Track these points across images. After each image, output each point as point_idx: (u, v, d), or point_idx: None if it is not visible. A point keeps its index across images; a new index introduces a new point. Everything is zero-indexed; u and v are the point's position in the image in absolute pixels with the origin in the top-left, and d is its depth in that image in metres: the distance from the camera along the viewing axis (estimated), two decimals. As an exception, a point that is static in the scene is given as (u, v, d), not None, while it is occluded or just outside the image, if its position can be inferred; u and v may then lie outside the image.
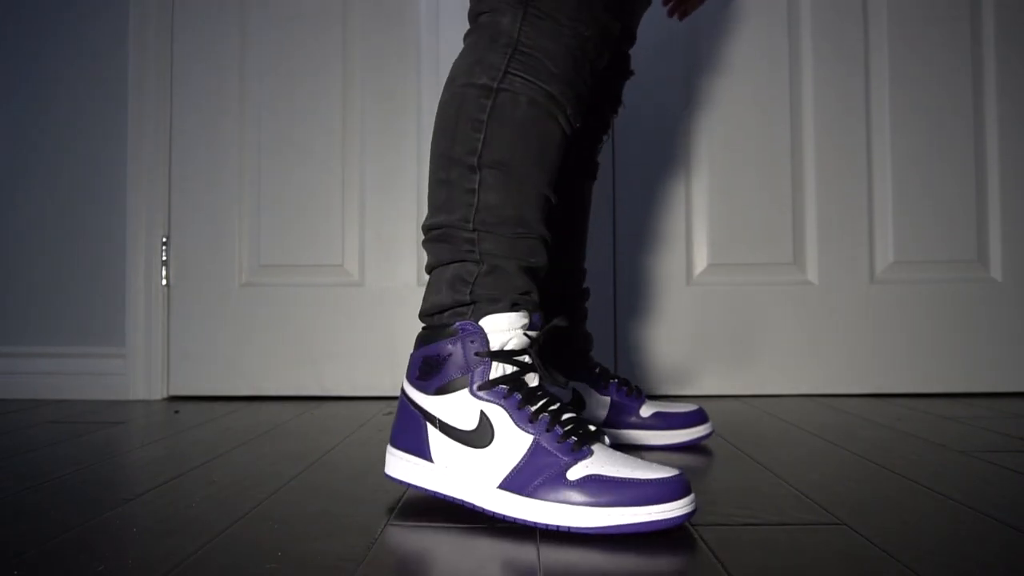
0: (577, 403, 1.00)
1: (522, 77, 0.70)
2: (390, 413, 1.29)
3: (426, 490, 0.69)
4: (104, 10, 1.52)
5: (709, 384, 1.47)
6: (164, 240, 1.51)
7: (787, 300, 1.48)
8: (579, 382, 1.00)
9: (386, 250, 1.49)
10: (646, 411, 0.99)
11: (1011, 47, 1.47)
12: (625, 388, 1.01)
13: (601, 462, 0.63)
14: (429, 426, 0.69)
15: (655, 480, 0.61)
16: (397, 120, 1.50)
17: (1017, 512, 0.67)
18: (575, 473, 0.62)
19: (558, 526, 0.61)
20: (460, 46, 0.78)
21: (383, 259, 1.49)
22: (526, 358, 0.69)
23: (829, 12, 1.49)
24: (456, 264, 0.71)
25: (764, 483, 0.78)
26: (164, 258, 1.51)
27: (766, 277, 1.48)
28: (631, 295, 1.48)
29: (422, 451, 0.70)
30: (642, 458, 0.69)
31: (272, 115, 1.51)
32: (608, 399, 0.99)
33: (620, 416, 0.99)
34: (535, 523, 0.62)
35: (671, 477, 0.61)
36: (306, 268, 1.50)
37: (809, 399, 1.41)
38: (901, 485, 0.77)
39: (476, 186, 0.70)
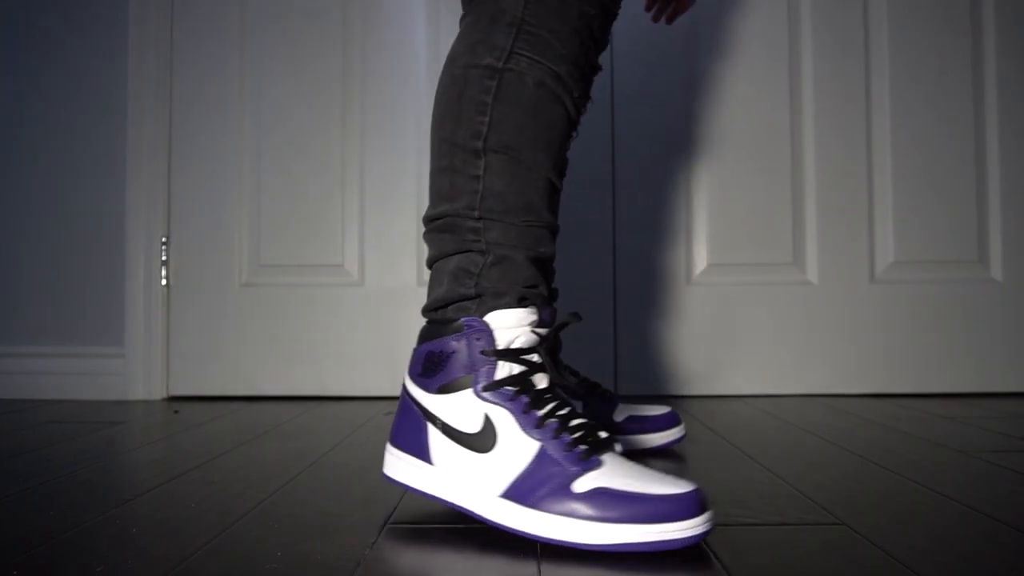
0: None
1: (528, 57, 0.66)
2: (389, 414, 1.28)
3: (425, 494, 0.66)
4: (103, 9, 1.52)
5: (708, 384, 1.46)
6: (164, 240, 1.51)
7: (787, 300, 1.48)
8: None
9: (386, 250, 1.49)
10: (619, 414, 0.96)
11: (1012, 46, 1.47)
12: (598, 391, 0.97)
13: (611, 474, 0.58)
14: (430, 426, 0.65)
15: (668, 496, 0.56)
16: (397, 120, 1.50)
17: (1017, 512, 0.67)
18: (582, 485, 0.58)
19: (561, 541, 0.57)
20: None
21: (383, 259, 1.49)
22: (535, 357, 0.65)
23: (829, 12, 1.49)
24: (460, 255, 0.67)
25: (764, 483, 0.78)
26: (164, 258, 1.51)
27: (766, 277, 1.48)
28: (631, 295, 1.48)
29: (422, 452, 0.66)
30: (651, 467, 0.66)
31: (272, 115, 1.51)
32: (580, 403, 0.95)
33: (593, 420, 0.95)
34: (537, 536, 0.59)
35: (686, 493, 0.57)
36: (306, 268, 1.50)
37: (809, 399, 1.41)
38: (901, 485, 0.77)
39: (481, 172, 0.66)
